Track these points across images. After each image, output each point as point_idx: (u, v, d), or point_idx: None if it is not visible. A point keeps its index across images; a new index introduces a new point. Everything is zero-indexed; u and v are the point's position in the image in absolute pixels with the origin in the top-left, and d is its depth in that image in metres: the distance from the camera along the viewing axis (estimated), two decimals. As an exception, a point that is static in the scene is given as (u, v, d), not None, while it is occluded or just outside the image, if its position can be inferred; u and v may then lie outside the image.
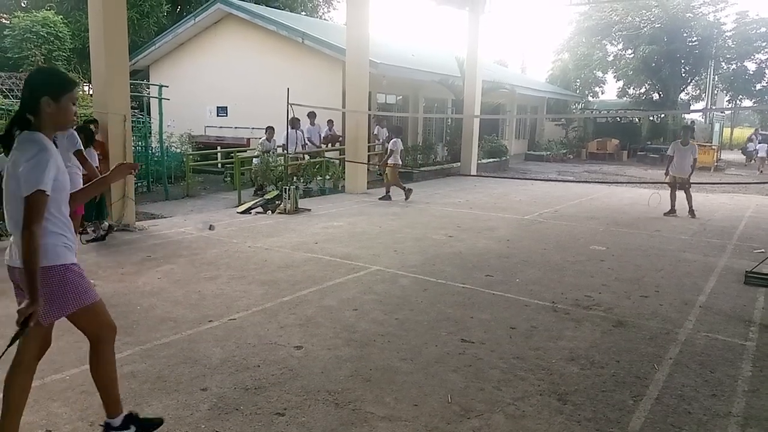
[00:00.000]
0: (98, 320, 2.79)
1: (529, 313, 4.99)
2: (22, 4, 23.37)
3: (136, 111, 12.46)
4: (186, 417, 3.14)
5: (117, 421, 2.82)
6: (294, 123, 11.81)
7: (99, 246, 7.19)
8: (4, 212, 2.57)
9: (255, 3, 21.29)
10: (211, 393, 3.41)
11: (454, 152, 18.62)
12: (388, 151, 11.65)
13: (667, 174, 10.49)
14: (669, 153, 10.44)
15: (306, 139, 13.66)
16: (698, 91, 36.01)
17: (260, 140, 13.04)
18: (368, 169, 13.94)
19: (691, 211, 10.20)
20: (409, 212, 10.28)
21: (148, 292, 5.34)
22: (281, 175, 11.47)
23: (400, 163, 11.97)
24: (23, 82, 2.70)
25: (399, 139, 11.71)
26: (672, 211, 10.39)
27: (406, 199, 11.44)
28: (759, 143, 23.31)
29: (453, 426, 3.12)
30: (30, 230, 2.37)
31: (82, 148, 5.33)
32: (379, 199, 11.51)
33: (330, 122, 15.39)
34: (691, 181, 10.35)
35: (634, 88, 34.21)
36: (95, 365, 2.80)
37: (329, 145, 15.00)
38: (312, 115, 14.14)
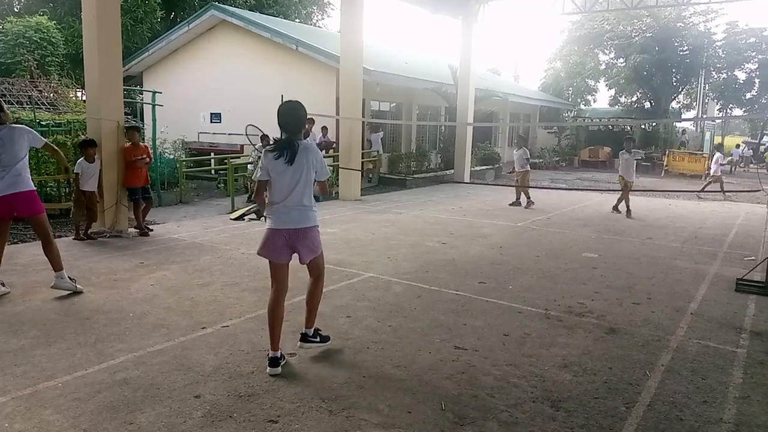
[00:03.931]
0: (323, 262, 4.21)
1: (522, 320, 5.01)
2: (15, 9, 23.33)
3: (129, 117, 12.43)
4: (179, 424, 3.13)
5: (310, 332, 4.21)
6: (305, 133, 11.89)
7: (92, 252, 7.16)
8: (292, 193, 3.82)
9: (249, 10, 21.35)
10: (205, 400, 3.40)
11: (447, 159, 18.69)
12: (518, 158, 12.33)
13: None
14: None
15: None
16: (689, 100, 36.35)
17: (255, 146, 13.03)
18: (362, 176, 13.96)
19: None
20: (403, 219, 10.30)
21: (140, 298, 5.32)
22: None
23: (529, 169, 12.58)
24: (286, 115, 3.82)
25: (525, 148, 12.46)
26: None
27: (511, 203, 12.34)
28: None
29: (446, 433, 3.13)
30: (325, 190, 4.11)
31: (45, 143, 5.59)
32: (510, 204, 12.33)
33: (324, 129, 15.42)
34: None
35: (625, 97, 34.49)
36: (313, 293, 4.16)
37: (323, 152, 15.03)
38: (311, 122, 14.16)
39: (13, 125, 5.36)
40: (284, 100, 3.93)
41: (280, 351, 3.91)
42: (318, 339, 4.22)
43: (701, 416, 3.39)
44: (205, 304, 5.21)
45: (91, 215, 7.89)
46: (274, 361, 3.83)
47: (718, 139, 32.80)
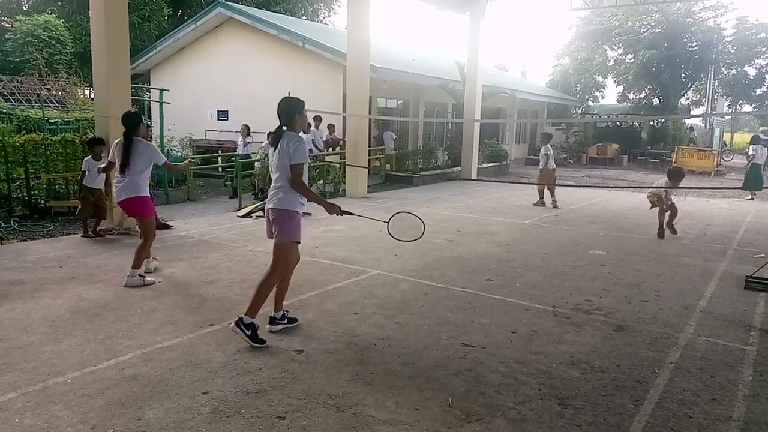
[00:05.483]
0: (287, 255, 4.28)
1: (529, 317, 4.99)
2: (24, 8, 23.47)
3: (137, 115, 12.47)
4: (187, 420, 3.14)
5: (277, 315, 4.51)
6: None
7: (100, 249, 7.20)
8: (272, 176, 4.27)
9: (256, 7, 21.38)
10: (213, 396, 3.42)
11: (454, 156, 18.64)
12: (542, 156, 11.95)
13: None
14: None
15: (311, 142, 13.71)
16: (698, 96, 36.09)
17: (262, 144, 13.07)
18: (368, 173, 13.96)
19: None
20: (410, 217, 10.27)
21: (149, 295, 5.34)
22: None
23: (554, 166, 12.21)
24: (279, 107, 4.22)
25: (549, 145, 11.98)
26: None
27: (536, 201, 12.10)
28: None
29: (454, 430, 3.12)
30: (300, 184, 4.11)
31: (166, 160, 6.10)
32: (534, 204, 12.10)
33: (331, 126, 15.42)
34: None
35: (634, 93, 34.28)
36: (261, 282, 4.24)
37: (330, 149, 15.04)
38: (317, 119, 14.17)
39: (141, 140, 5.85)
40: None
41: (252, 320, 4.24)
42: (285, 321, 4.54)
43: (710, 414, 3.37)
44: (213, 301, 5.23)
45: (99, 213, 7.94)
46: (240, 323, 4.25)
47: (727, 136, 32.58)
